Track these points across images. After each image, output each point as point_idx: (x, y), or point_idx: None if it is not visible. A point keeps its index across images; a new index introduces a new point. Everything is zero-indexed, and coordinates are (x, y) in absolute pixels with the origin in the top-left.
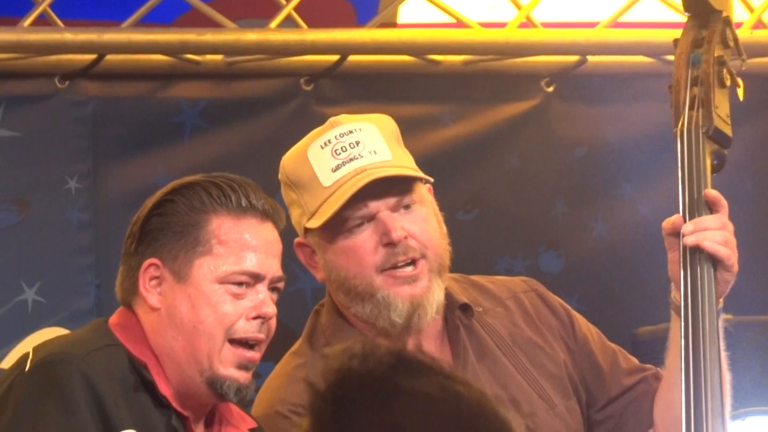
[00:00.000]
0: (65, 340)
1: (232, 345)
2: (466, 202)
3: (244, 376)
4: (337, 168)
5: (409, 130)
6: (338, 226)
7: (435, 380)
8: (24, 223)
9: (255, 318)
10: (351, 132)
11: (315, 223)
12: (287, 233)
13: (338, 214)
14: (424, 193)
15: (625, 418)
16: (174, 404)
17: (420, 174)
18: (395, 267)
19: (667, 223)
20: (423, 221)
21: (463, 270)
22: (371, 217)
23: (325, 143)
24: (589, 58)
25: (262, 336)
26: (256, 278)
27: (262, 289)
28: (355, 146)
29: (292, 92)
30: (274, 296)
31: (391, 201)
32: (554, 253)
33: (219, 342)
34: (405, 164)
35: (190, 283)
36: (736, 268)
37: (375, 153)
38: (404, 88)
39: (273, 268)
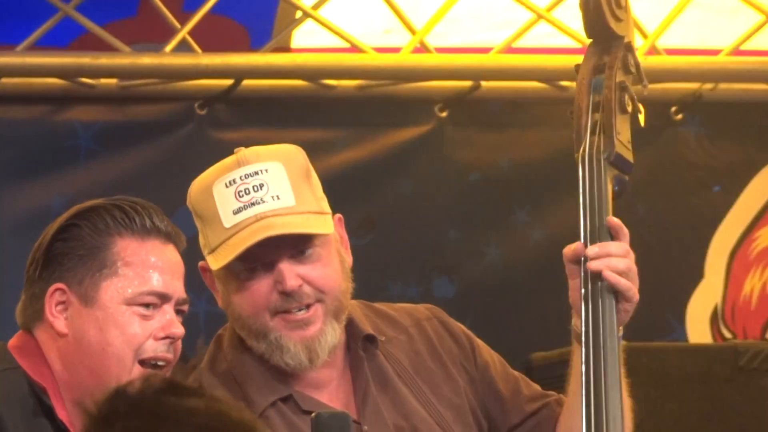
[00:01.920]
0: None
1: (142, 367)
2: (359, 227)
3: None
4: (239, 211)
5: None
6: (237, 266)
7: (202, 401)
8: None
9: (163, 338)
10: (257, 173)
11: (213, 263)
12: (183, 256)
13: (235, 259)
14: (329, 239)
15: None
16: (71, 430)
17: (321, 228)
18: (289, 311)
19: (568, 250)
20: (322, 267)
21: (356, 296)
22: (268, 264)
23: (230, 182)
24: (483, 83)
25: (170, 356)
26: (162, 298)
27: (168, 309)
28: (258, 189)
29: (187, 116)
30: (179, 318)
31: (289, 250)
32: (447, 278)
33: (129, 364)
34: (308, 208)
35: (97, 306)
36: (636, 297)
37: (278, 198)
38: (298, 112)
39: (178, 289)
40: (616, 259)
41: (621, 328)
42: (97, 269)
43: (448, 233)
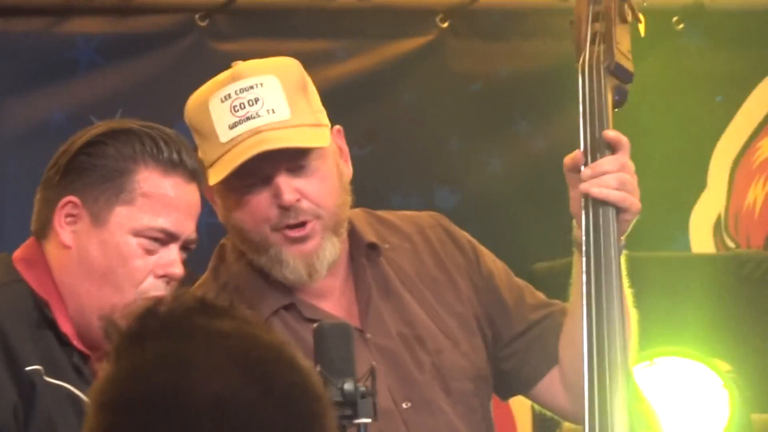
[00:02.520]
0: None
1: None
2: (360, 137)
3: None
4: (234, 126)
5: (303, 66)
6: (235, 182)
7: (233, 322)
8: None
9: (162, 276)
10: (252, 87)
11: (211, 178)
12: None
13: (232, 174)
14: (326, 152)
15: (530, 354)
16: (75, 342)
17: (316, 141)
18: (287, 226)
19: (568, 159)
20: (319, 181)
21: (357, 206)
22: (266, 179)
23: (225, 97)
24: None
25: (165, 292)
26: (170, 237)
27: (173, 248)
28: (254, 103)
29: (187, 28)
30: (184, 255)
31: (286, 164)
32: (449, 189)
33: (128, 296)
34: (304, 121)
35: (105, 228)
36: (635, 207)
37: (273, 112)
38: (298, 23)
39: (189, 229)
40: (606, 177)
41: (622, 238)
42: (115, 192)
43: (449, 143)
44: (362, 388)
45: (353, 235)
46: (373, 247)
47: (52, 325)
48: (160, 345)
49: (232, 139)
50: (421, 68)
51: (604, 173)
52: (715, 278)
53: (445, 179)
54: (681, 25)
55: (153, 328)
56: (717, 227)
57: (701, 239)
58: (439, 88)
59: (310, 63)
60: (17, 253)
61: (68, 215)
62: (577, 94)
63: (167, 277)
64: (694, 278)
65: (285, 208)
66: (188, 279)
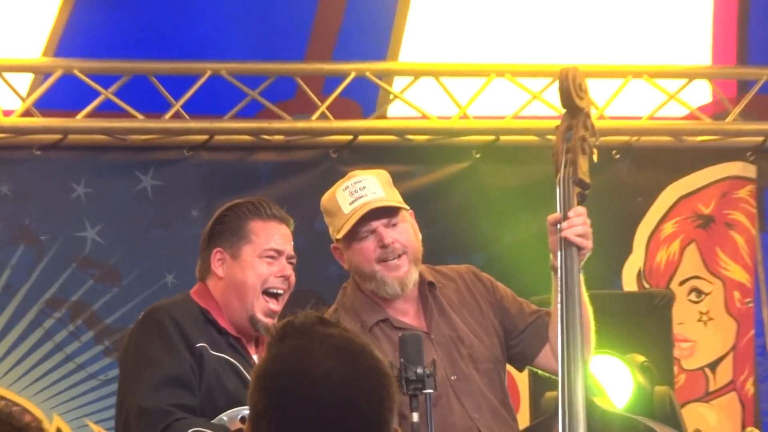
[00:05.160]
0: (161, 300)
1: (264, 297)
2: (425, 223)
3: (269, 321)
4: (352, 203)
5: (392, 177)
6: (354, 237)
7: (337, 329)
8: (167, 236)
9: (280, 276)
10: (360, 181)
11: (339, 235)
12: (325, 242)
13: (353, 229)
14: (406, 216)
15: (530, 340)
16: (231, 331)
17: (402, 205)
18: (387, 260)
19: (551, 217)
20: (405, 233)
21: (424, 263)
22: (372, 231)
23: (345, 188)
24: (501, 137)
25: (284, 287)
26: (279, 253)
27: (283, 261)
28: (363, 189)
29: (324, 158)
30: (291, 267)
31: (384, 220)
32: (480, 255)
33: (258, 293)
34: (394, 199)
35: (241, 259)
36: (590, 246)
37: (375, 193)
38: (392, 155)
39: (288, 248)
40: (577, 227)
41: (581, 265)
42: (241, 238)
43: (480, 226)
44: (428, 372)
45: (420, 278)
46: (431, 284)
47: (212, 323)
48: (293, 342)
49: (352, 210)
50: (461, 184)
51: (575, 225)
52: (637, 305)
53: (477, 248)
54: (617, 156)
55: (290, 332)
56: (639, 276)
57: (629, 283)
58: (473, 199)
59: (396, 179)
60: (193, 289)
61: (218, 259)
62: (555, 197)
63: (283, 277)
64: (624, 306)
65: (385, 247)
66: (317, 309)
